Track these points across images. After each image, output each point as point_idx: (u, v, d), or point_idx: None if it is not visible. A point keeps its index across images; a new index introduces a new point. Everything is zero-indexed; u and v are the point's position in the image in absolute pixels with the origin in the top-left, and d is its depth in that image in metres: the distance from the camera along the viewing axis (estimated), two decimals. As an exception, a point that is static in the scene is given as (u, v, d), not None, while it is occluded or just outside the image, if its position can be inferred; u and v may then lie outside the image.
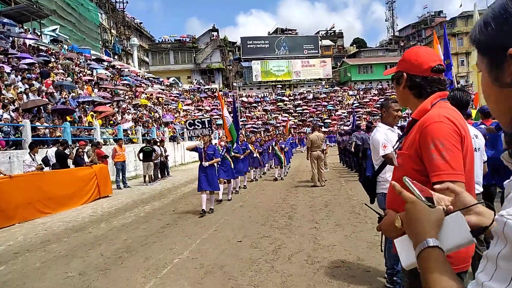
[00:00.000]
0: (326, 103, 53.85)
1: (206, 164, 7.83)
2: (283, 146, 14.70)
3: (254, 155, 13.55)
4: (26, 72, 17.23)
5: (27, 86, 15.33)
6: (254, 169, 14.11)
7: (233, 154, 10.01)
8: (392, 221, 1.69)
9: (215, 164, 8.54)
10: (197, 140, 10.82)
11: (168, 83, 46.50)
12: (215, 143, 10.21)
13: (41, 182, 9.05)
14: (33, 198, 8.68)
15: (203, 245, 5.64)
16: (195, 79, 59.19)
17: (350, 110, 48.88)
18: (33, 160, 9.45)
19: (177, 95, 43.60)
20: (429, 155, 1.55)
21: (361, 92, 57.23)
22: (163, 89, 40.23)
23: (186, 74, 59.96)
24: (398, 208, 1.72)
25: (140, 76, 39.14)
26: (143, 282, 4.22)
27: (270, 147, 15.09)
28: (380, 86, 58.09)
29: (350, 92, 57.33)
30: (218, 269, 4.50)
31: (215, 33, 61.62)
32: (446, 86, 1.75)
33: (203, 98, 51.43)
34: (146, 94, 31.90)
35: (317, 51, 62.45)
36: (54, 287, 4.28)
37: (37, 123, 12.85)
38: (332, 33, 72.77)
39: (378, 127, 3.79)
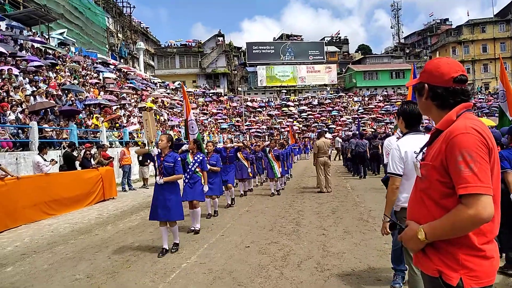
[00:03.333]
0: (330, 109, 53.86)
1: (161, 180, 5.31)
2: (277, 154, 11.36)
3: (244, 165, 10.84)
4: (34, 74, 17.35)
5: (34, 88, 15.41)
6: (242, 182, 11.21)
7: (208, 167, 7.30)
8: (414, 233, 1.65)
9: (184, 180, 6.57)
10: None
11: (174, 87, 46.64)
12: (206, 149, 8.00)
13: (48, 183, 9.05)
14: (39, 199, 8.67)
15: (210, 250, 5.59)
16: (202, 84, 59.39)
17: (355, 116, 48.85)
18: (45, 160, 9.46)
19: (182, 98, 43.72)
20: (456, 166, 1.52)
21: (366, 98, 57.23)
22: (168, 93, 40.35)
23: (192, 78, 60.19)
24: (420, 220, 1.69)
25: (146, 79, 39.28)
26: (152, 286, 4.18)
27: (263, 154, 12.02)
28: (386, 93, 58.04)
29: (355, 98, 57.31)
30: (226, 275, 4.45)
31: (220, 38, 61.90)
32: (470, 96, 1.71)
33: (208, 102, 51.57)
34: (151, 97, 31.98)
35: (322, 57, 62.59)
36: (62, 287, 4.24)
37: (45, 125, 12.89)
38: (337, 39, 72.99)
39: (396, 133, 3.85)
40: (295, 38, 69.04)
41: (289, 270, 4.54)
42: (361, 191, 10.88)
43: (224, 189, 8.85)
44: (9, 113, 12.00)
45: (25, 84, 15.58)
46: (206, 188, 6.83)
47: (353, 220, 7.28)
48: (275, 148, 11.73)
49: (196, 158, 6.76)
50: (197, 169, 6.79)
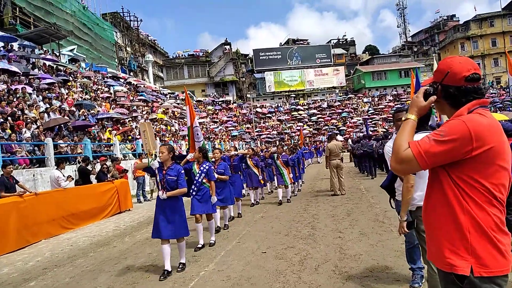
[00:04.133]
0: (340, 111, 53.70)
1: (164, 196, 4.89)
2: (285, 159, 10.88)
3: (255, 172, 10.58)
4: (47, 91, 17.73)
5: (48, 105, 15.74)
6: (254, 190, 10.85)
7: (216, 176, 6.82)
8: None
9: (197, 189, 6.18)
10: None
11: (183, 97, 47.07)
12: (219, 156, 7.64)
13: (65, 198, 9.21)
14: (58, 214, 8.83)
15: (227, 257, 5.63)
16: (211, 92, 59.82)
17: (366, 117, 48.59)
18: (63, 175, 9.65)
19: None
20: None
21: (376, 99, 56.91)
22: (178, 103, 40.74)
23: (201, 88, 60.69)
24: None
25: (156, 91, 39.74)
26: (172, 296, 4.24)
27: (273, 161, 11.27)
28: (395, 92, 57.65)
29: (365, 99, 57.04)
30: (245, 281, 4.48)
31: (227, 47, 62.40)
32: (483, 94, 1.73)
33: (218, 111, 51.88)
34: (162, 108, 32.33)
35: (329, 60, 62.58)
36: (84, 302, 4.32)
37: (60, 141, 13.14)
38: (344, 41, 72.85)
39: (393, 136, 3.85)
40: (302, 42, 69.21)
41: (307, 274, 4.55)
42: (376, 192, 10.81)
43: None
44: (25, 131, 12.28)
45: (39, 101, 15.92)
46: (214, 199, 6.30)
47: (369, 221, 7.25)
48: (283, 153, 11.24)
49: (202, 168, 6.23)
50: (204, 180, 6.22)
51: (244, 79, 63.40)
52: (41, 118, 14.24)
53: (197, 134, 8.03)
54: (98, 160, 12.55)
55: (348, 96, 59.17)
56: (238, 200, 8.92)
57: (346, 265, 4.74)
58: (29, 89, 16.43)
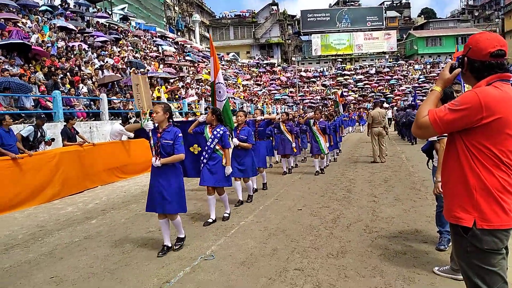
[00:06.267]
0: (389, 78, 51.74)
1: (157, 162, 4.17)
2: (323, 126, 9.82)
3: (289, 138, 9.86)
4: (100, 49, 18.61)
5: (102, 63, 16.59)
6: (286, 158, 10.15)
7: (237, 142, 6.30)
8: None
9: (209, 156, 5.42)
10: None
11: (228, 59, 47.27)
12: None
13: (120, 150, 10.01)
14: (112, 164, 9.66)
15: (266, 211, 6.06)
16: (255, 54, 59.47)
17: (416, 85, 46.61)
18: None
19: (236, 70, 44.29)
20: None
21: (428, 66, 54.00)
22: (223, 65, 41.04)
23: (246, 49, 60.41)
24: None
25: (202, 51, 40.18)
26: (215, 239, 4.74)
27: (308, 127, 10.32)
28: (450, 59, 54.29)
29: (416, 66, 54.37)
30: (280, 232, 4.89)
31: (274, 7, 61.03)
32: (506, 69, 1.88)
33: (261, 73, 51.73)
34: (207, 69, 32.82)
35: (381, 23, 59.59)
36: (139, 238, 4.93)
37: (113, 97, 13.97)
38: (398, 4, 68.71)
39: None
40: (352, 3, 66.06)
41: (339, 230, 4.87)
42: (416, 161, 10.76)
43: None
44: (82, 86, 13.15)
45: (94, 58, 16.80)
46: (228, 170, 5.46)
47: (405, 188, 7.38)
48: (321, 120, 10.08)
49: (215, 132, 5.40)
50: (217, 147, 5.44)
51: (290, 41, 62.20)
52: (96, 74, 15.09)
53: (220, 92, 6.79)
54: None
55: (399, 62, 56.62)
56: (261, 170, 7.93)
57: (377, 226, 5.00)
58: (84, 46, 17.34)
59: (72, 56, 15.26)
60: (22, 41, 12.50)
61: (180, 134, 4.30)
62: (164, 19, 43.70)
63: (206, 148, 5.44)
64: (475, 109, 1.74)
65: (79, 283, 3.66)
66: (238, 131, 6.42)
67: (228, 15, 62.82)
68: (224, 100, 6.73)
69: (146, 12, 38.53)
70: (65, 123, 9.25)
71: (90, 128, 11.83)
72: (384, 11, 61.22)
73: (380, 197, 6.71)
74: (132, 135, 9.84)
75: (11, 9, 16.43)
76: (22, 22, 15.60)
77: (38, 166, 7.47)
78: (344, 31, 59.32)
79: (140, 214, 6.22)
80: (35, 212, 6.74)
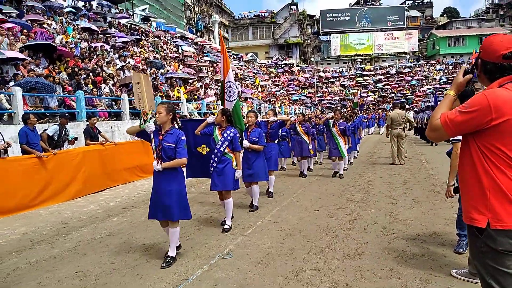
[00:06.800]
0: (410, 78, 50.94)
1: (158, 167, 3.97)
2: (343, 128, 9.41)
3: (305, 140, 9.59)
4: (122, 50, 19.00)
5: (123, 63, 16.94)
6: (303, 160, 9.83)
7: (248, 144, 6.02)
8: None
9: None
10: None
11: (247, 59, 47.44)
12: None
13: (140, 149, 10.21)
14: (133, 163, 9.87)
15: (282, 211, 6.11)
16: (274, 55, 59.49)
17: (437, 86, 45.75)
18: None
19: (255, 70, 44.41)
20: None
21: (450, 67, 52.88)
22: (241, 65, 41.24)
23: (264, 50, 60.54)
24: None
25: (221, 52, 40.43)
26: (232, 238, 4.81)
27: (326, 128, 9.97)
28: (472, 60, 53.12)
29: (438, 67, 53.34)
30: (297, 233, 4.93)
31: (293, 7, 60.93)
32: None
33: (280, 74, 51.70)
34: (226, 69, 33.01)
35: (402, 23, 58.76)
36: (159, 236, 5.05)
37: (134, 97, 14.23)
38: (420, 3, 67.57)
39: None
40: (373, 3, 65.35)
41: (356, 232, 4.87)
42: (437, 163, 10.60)
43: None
44: (104, 86, 13.47)
45: (115, 59, 17.17)
46: (239, 174, 5.24)
47: (424, 191, 7.30)
48: (341, 121, 9.64)
49: (225, 135, 5.15)
50: (227, 150, 5.18)
51: (308, 41, 62.00)
52: (117, 75, 15.43)
53: (230, 92, 6.36)
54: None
55: (420, 62, 55.69)
56: (271, 173, 7.36)
57: (395, 228, 4.98)
58: (106, 47, 17.74)
59: (95, 57, 15.64)
60: (48, 42, 12.89)
61: (183, 137, 4.00)
62: (184, 20, 44.24)
63: (216, 151, 5.18)
64: (484, 111, 1.77)
65: (101, 278, 3.79)
66: (248, 133, 6.16)
67: (247, 15, 63.07)
68: (234, 100, 6.31)
69: (166, 12, 39.09)
70: (87, 123, 9.52)
71: (111, 127, 12.10)
72: (405, 11, 60.29)
73: (398, 199, 6.66)
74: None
75: (37, 10, 16.96)
76: (47, 24, 16.09)
77: (61, 164, 7.72)
78: (364, 31, 58.75)
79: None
80: (59, 209, 6.98)
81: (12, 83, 9.92)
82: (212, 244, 4.64)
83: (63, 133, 8.62)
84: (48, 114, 10.22)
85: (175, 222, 4.10)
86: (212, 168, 5.20)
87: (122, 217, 6.19)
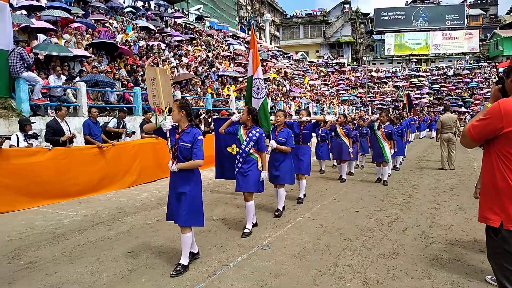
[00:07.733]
0: (468, 80, 48.29)
1: (173, 167, 3.78)
2: (389, 131, 8.79)
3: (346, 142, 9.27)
4: (176, 48, 19.89)
5: (177, 61, 17.75)
6: (341, 163, 9.39)
7: (275, 145, 5.72)
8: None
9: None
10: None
11: (297, 58, 47.41)
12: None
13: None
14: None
15: (322, 210, 6.27)
16: (324, 54, 58.91)
17: (498, 89, 42.96)
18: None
19: (304, 69, 44.29)
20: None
21: (515, 69, 49.34)
22: (291, 64, 41.31)
23: (315, 48, 60.15)
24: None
25: (271, 51, 40.78)
26: (272, 232, 5.08)
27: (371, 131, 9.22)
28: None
29: (500, 69, 49.97)
30: (335, 231, 5.08)
31: (347, 6, 59.91)
32: None
33: (330, 73, 51.12)
34: (275, 68, 33.29)
35: (462, 22, 55.83)
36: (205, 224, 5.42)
37: (186, 94, 14.93)
38: (484, 1, 63.64)
39: None
40: (431, 1, 62.59)
41: (393, 234, 4.94)
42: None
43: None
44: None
45: (170, 57, 18.02)
46: (264, 175, 5.01)
47: (471, 198, 7.08)
48: (387, 123, 9.01)
49: (250, 135, 4.94)
50: (252, 150, 4.96)
51: (361, 40, 60.67)
52: (172, 72, 16.21)
53: (258, 89, 6.04)
54: (221, 113, 14.01)
55: (480, 64, 52.59)
56: (303, 178, 6.88)
57: (434, 232, 4.99)
58: (162, 45, 18.66)
59: (151, 55, 16.53)
60: (111, 41, 13.85)
61: (200, 137, 3.76)
62: (236, 19, 45.07)
63: (241, 151, 4.98)
64: (496, 118, 1.90)
65: (151, 259, 4.21)
66: (276, 133, 5.85)
67: (299, 14, 62.92)
68: (262, 98, 6.00)
69: (219, 11, 40.09)
70: (143, 117, 10.20)
71: (164, 122, 12.82)
72: (466, 9, 57.15)
73: (442, 205, 6.58)
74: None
75: (100, 10, 18.23)
76: (109, 23, 17.25)
77: (119, 155, 8.40)
78: (420, 30, 56.52)
79: (206, 204, 6.68)
80: (116, 196, 7.62)
81: (77, 78, 10.84)
82: (252, 235, 4.92)
83: (121, 125, 9.33)
84: (108, 108, 11.06)
85: (186, 228, 3.85)
86: (237, 169, 5.02)
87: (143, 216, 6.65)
